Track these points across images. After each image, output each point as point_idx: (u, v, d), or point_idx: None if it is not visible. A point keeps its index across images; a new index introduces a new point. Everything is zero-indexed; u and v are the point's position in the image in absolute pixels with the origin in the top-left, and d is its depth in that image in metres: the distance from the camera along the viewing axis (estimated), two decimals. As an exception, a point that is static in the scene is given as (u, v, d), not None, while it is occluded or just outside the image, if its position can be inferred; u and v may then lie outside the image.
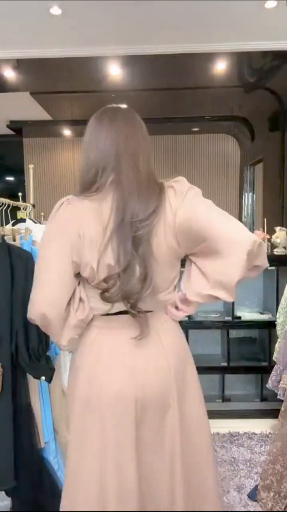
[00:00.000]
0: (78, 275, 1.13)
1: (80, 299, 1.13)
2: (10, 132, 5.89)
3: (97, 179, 1.09)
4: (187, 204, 1.07)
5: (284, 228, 2.94)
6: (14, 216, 1.89)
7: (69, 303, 1.11)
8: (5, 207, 1.76)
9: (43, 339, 1.53)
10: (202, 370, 3.03)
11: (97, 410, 1.13)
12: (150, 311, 1.14)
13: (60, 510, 1.20)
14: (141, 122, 1.16)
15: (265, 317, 2.89)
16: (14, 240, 1.67)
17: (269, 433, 2.56)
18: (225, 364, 2.87)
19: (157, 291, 1.11)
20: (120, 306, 1.11)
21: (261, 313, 2.95)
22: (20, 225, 1.81)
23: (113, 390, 1.12)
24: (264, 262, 1.10)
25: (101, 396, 1.13)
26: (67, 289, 1.10)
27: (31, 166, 2.42)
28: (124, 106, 1.18)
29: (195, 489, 1.19)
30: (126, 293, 1.06)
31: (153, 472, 1.14)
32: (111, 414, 1.12)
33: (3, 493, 1.66)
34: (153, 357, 1.14)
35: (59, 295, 1.09)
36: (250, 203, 5.74)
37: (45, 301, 1.08)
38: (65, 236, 1.07)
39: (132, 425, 1.11)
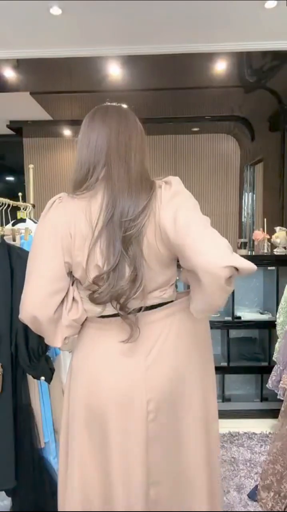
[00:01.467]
0: (71, 274, 1.11)
1: (73, 299, 1.11)
2: (10, 132, 5.89)
3: (89, 177, 1.07)
4: (169, 210, 1.01)
5: (284, 228, 2.94)
6: (14, 216, 1.89)
7: (61, 303, 1.09)
8: (5, 207, 1.76)
9: (43, 339, 1.53)
10: (202, 370, 3.03)
11: (97, 415, 1.11)
12: (148, 309, 1.09)
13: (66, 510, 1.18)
14: (135, 120, 1.13)
15: (265, 317, 2.88)
16: (14, 240, 1.67)
17: (269, 433, 2.56)
18: (225, 364, 2.87)
19: (149, 291, 1.08)
20: (112, 309, 1.07)
21: (261, 313, 2.95)
22: (20, 225, 1.81)
23: (109, 394, 1.10)
24: (247, 269, 0.94)
25: (100, 401, 1.10)
26: (59, 291, 1.08)
27: (31, 166, 2.42)
28: (118, 104, 1.16)
29: (183, 487, 1.16)
30: (115, 295, 1.02)
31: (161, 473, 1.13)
32: (115, 419, 1.09)
33: (3, 493, 1.66)
34: (143, 360, 1.09)
35: (50, 298, 1.06)
36: (250, 203, 5.73)
37: (35, 303, 1.06)
38: (56, 236, 1.05)
39: (139, 428, 1.09)
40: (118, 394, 1.09)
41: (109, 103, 1.15)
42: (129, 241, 1.01)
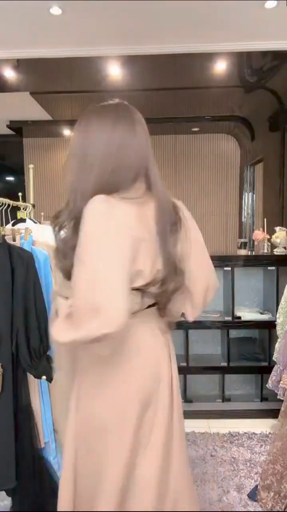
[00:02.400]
0: None
1: None
2: (10, 132, 5.89)
3: (137, 181, 1.06)
4: (197, 233, 1.15)
5: (284, 228, 2.94)
6: (14, 216, 1.89)
7: None
8: (5, 207, 1.76)
9: (44, 339, 1.53)
10: (202, 370, 3.05)
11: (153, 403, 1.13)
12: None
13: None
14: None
15: (265, 317, 2.89)
16: (14, 240, 1.67)
17: (269, 433, 2.57)
18: (225, 364, 2.87)
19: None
20: (146, 301, 1.11)
21: (261, 313, 2.95)
22: (20, 225, 1.81)
23: (155, 381, 1.13)
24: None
25: (158, 390, 1.13)
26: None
27: (31, 166, 2.42)
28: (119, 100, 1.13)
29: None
30: (164, 292, 1.09)
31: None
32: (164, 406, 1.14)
33: (3, 493, 1.67)
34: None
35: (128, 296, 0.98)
36: (250, 203, 5.73)
37: (125, 307, 0.94)
38: (126, 237, 0.98)
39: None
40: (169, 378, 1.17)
41: (120, 101, 1.12)
42: (175, 245, 1.09)
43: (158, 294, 1.09)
